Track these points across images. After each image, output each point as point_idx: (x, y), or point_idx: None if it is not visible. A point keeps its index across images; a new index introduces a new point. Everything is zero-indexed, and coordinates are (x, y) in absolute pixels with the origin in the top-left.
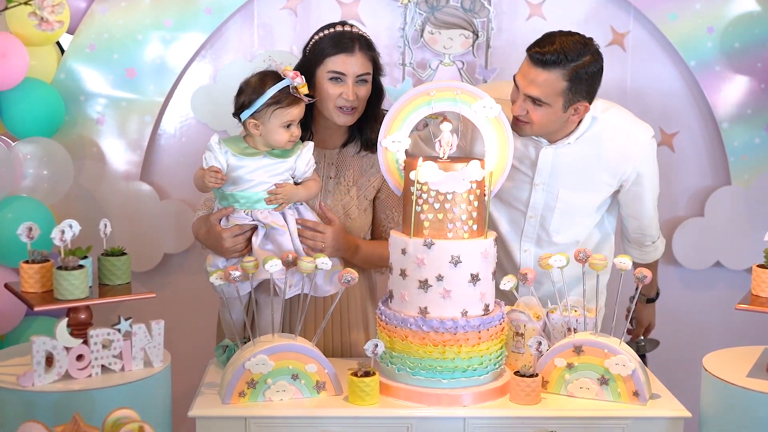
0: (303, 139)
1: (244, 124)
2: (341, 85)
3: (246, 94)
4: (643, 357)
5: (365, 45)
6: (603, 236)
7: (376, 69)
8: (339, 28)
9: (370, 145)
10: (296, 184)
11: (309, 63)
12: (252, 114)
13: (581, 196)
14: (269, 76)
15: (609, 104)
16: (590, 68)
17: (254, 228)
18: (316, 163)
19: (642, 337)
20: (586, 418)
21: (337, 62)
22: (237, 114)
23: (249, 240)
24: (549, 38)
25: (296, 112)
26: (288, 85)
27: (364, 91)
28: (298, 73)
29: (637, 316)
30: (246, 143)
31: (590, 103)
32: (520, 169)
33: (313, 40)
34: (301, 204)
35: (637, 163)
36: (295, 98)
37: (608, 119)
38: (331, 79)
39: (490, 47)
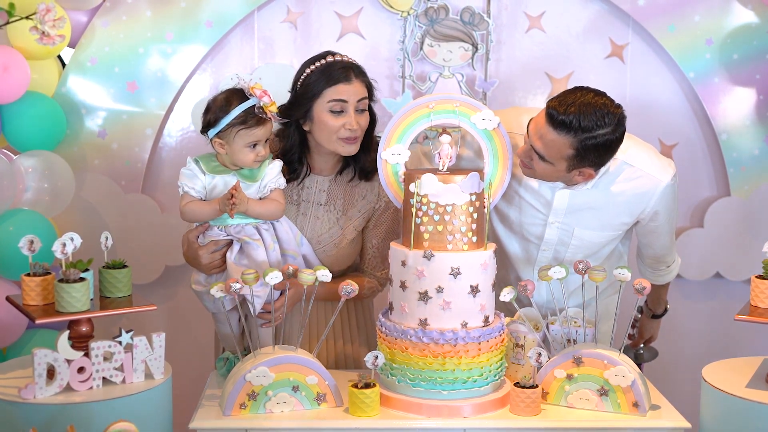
0: (300, 172)
1: (211, 142)
2: (343, 116)
3: (212, 113)
4: (639, 366)
5: (359, 72)
6: (616, 258)
7: (370, 95)
8: (329, 59)
9: (364, 173)
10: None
11: (303, 99)
12: (217, 133)
13: (597, 234)
14: (235, 95)
15: (628, 142)
16: (602, 140)
17: (230, 243)
18: (307, 188)
19: (642, 345)
20: (586, 429)
21: (336, 92)
22: (204, 131)
23: (225, 255)
24: (571, 97)
25: (261, 132)
26: (254, 105)
27: (365, 119)
28: (267, 91)
29: (640, 328)
30: (217, 161)
31: (597, 171)
32: (534, 207)
33: (304, 75)
34: (278, 221)
35: (656, 204)
36: (261, 118)
37: (628, 160)
38: (331, 111)
39: (489, 60)
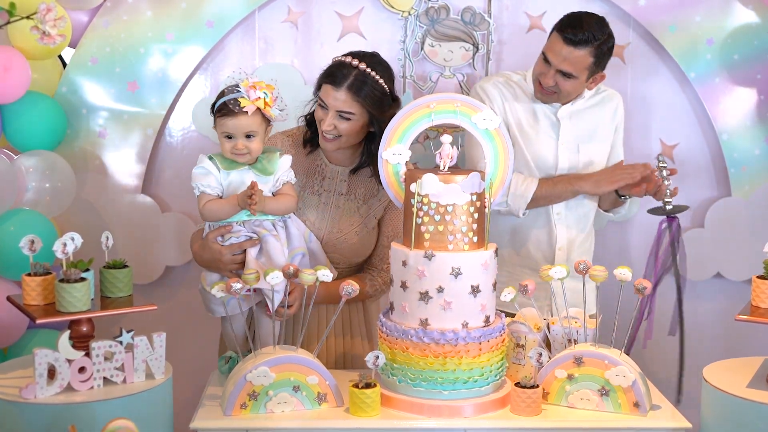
0: (313, 141)
1: None
2: (324, 112)
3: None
4: (674, 218)
5: (354, 87)
6: (591, 207)
7: (376, 111)
8: (347, 59)
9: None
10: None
11: (320, 80)
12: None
13: (595, 147)
14: (228, 88)
15: None
16: (609, 43)
17: (250, 241)
18: (328, 179)
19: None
20: (586, 430)
21: (324, 90)
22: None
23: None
24: (578, 20)
25: (231, 123)
26: (231, 98)
27: (345, 125)
28: (258, 88)
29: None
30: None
31: (604, 71)
32: (548, 134)
33: (332, 60)
34: (289, 217)
35: (622, 111)
36: (233, 111)
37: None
38: (318, 103)
39: (490, 60)
